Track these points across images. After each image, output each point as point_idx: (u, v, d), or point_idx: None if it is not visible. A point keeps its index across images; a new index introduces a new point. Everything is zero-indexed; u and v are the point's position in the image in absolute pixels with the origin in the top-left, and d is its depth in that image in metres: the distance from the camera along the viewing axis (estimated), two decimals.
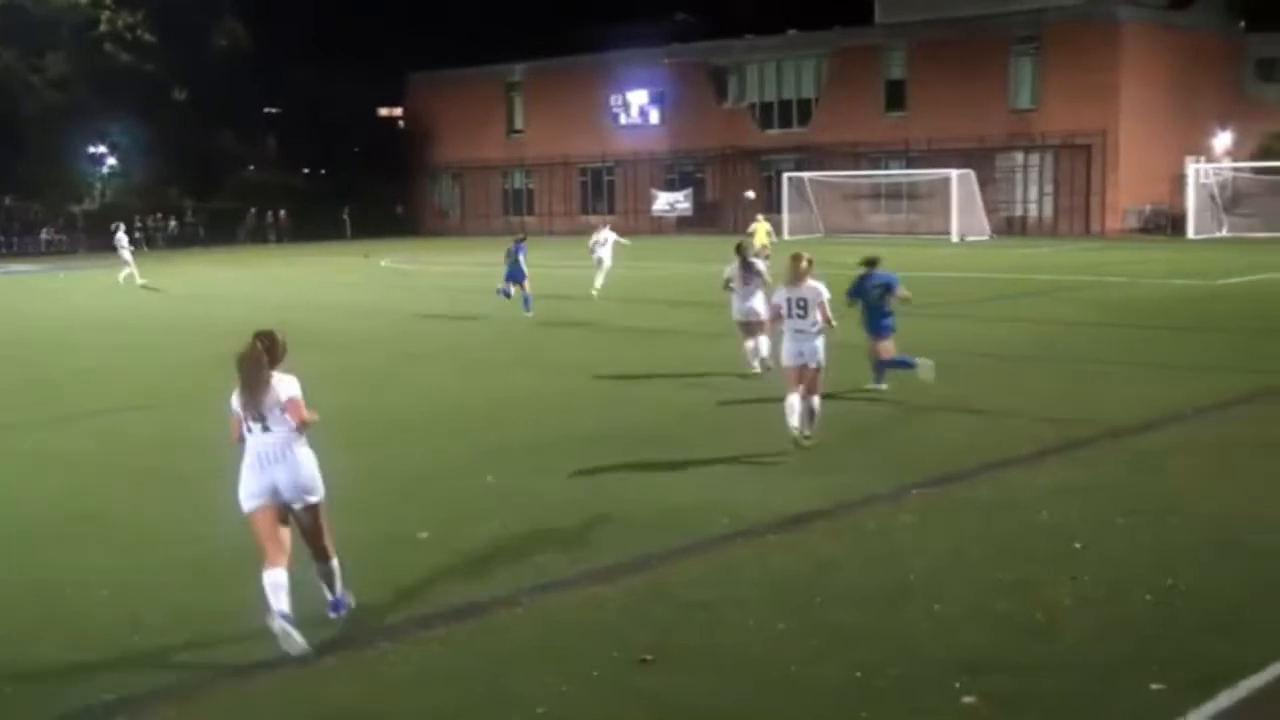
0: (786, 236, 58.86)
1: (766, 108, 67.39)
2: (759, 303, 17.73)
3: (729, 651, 7.64)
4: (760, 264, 18.63)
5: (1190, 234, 52.21)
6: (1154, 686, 6.92)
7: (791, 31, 67.08)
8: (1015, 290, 30.93)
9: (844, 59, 63.64)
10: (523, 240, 28.52)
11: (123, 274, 40.57)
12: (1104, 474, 11.77)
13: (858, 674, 7.21)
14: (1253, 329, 22.63)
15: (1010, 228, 58.36)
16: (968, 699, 6.85)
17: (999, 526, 10.07)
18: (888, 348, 16.40)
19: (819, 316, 13.06)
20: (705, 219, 65.24)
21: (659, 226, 65.58)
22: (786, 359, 13.22)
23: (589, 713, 6.89)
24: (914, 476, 11.74)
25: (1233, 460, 12.18)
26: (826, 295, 13.18)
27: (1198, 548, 9.38)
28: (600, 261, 31.21)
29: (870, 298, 16.45)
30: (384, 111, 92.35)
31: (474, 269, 41.81)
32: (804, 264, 13.24)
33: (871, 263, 16.73)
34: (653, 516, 10.64)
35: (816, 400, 13.27)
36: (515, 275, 27.60)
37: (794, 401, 12.95)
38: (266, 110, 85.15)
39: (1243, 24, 63.00)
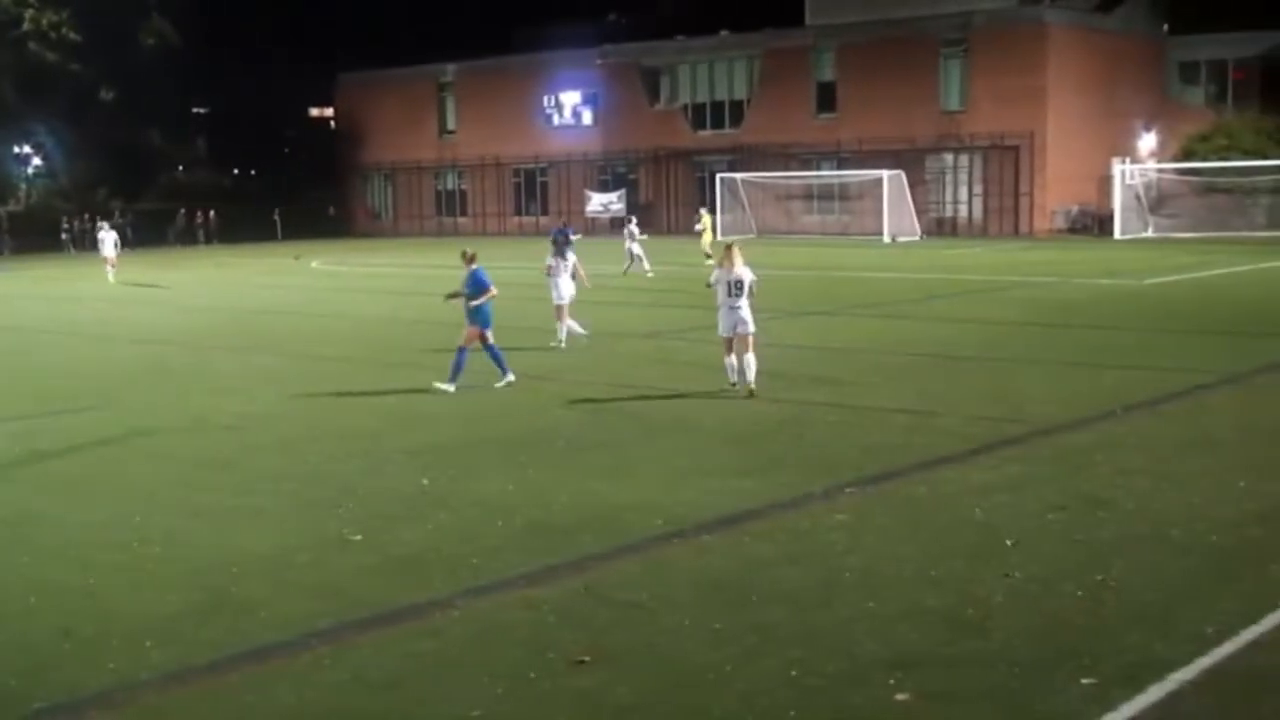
0: (719, 238, 59.00)
1: (699, 109, 67.46)
2: (566, 286, 21.23)
3: (664, 651, 7.64)
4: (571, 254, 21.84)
5: (1117, 234, 52.84)
6: (1085, 681, 7.00)
7: (723, 33, 67.19)
8: (947, 290, 31.19)
9: (775, 60, 63.85)
10: (569, 227, 36.49)
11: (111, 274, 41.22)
12: (1035, 471, 11.90)
13: (793, 672, 7.24)
14: (1179, 328, 22.95)
15: (940, 228, 58.80)
16: (901, 696, 6.90)
17: (932, 524, 10.15)
18: (479, 337, 17.43)
19: (750, 293, 16.11)
20: (639, 220, 65.12)
21: (593, 227, 65.43)
22: (724, 330, 16.19)
23: (525, 714, 6.87)
24: (848, 476, 11.81)
25: (1161, 457, 12.35)
26: (753, 276, 16.26)
27: (1127, 543, 9.50)
28: (631, 252, 37.64)
29: (482, 290, 17.40)
30: (315, 112, 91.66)
31: (406, 270, 41.56)
32: (736, 252, 16.30)
33: (473, 258, 17.74)
34: (587, 518, 10.63)
35: (752, 356, 16.03)
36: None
37: (732, 362, 16.23)
38: (195, 110, 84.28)
39: (1166, 27, 63.85)
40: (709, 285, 16.78)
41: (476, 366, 17.34)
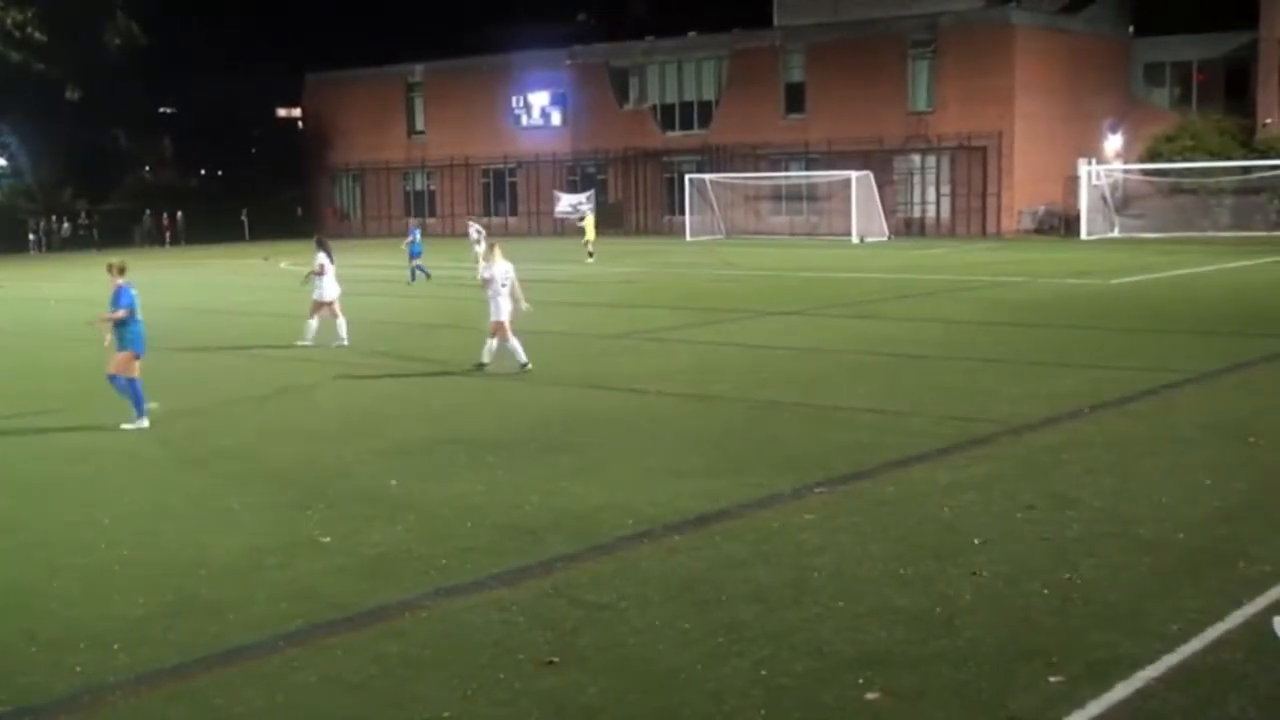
0: (689, 238, 59.19)
1: (668, 109, 67.47)
2: (329, 286, 22.40)
3: (633, 652, 7.64)
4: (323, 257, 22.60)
5: (1083, 234, 53.13)
6: (1052, 679, 7.03)
7: (691, 34, 67.24)
8: (916, 290, 31.30)
9: (743, 61, 63.93)
10: (417, 226, 40.10)
11: None
12: (1003, 470, 11.95)
13: (762, 672, 7.25)
14: (1145, 328, 23.09)
15: (908, 229, 58.98)
16: (871, 695, 6.92)
17: (901, 523, 10.19)
18: (139, 366, 15.45)
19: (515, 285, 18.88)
20: (608, 220, 65.19)
21: (561, 228, 65.43)
22: (502, 315, 18.72)
23: (495, 715, 6.86)
24: (817, 476, 11.84)
25: (1128, 456, 12.42)
26: (514, 270, 19.00)
27: (1094, 541, 9.56)
28: (478, 254, 37.95)
29: (136, 309, 15.44)
30: (282, 112, 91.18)
31: (377, 271, 41.43)
32: (499, 250, 19.21)
33: (123, 270, 15.61)
34: (557, 518, 10.62)
35: (495, 340, 18.87)
36: (414, 252, 37.35)
37: (516, 343, 18.67)
38: (162, 110, 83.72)
39: (1131, 29, 64.24)
40: (484, 282, 19.12)
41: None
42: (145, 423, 15.14)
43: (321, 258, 22.46)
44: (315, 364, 20.56)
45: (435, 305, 30.38)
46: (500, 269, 18.85)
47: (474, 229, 40.28)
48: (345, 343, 22.13)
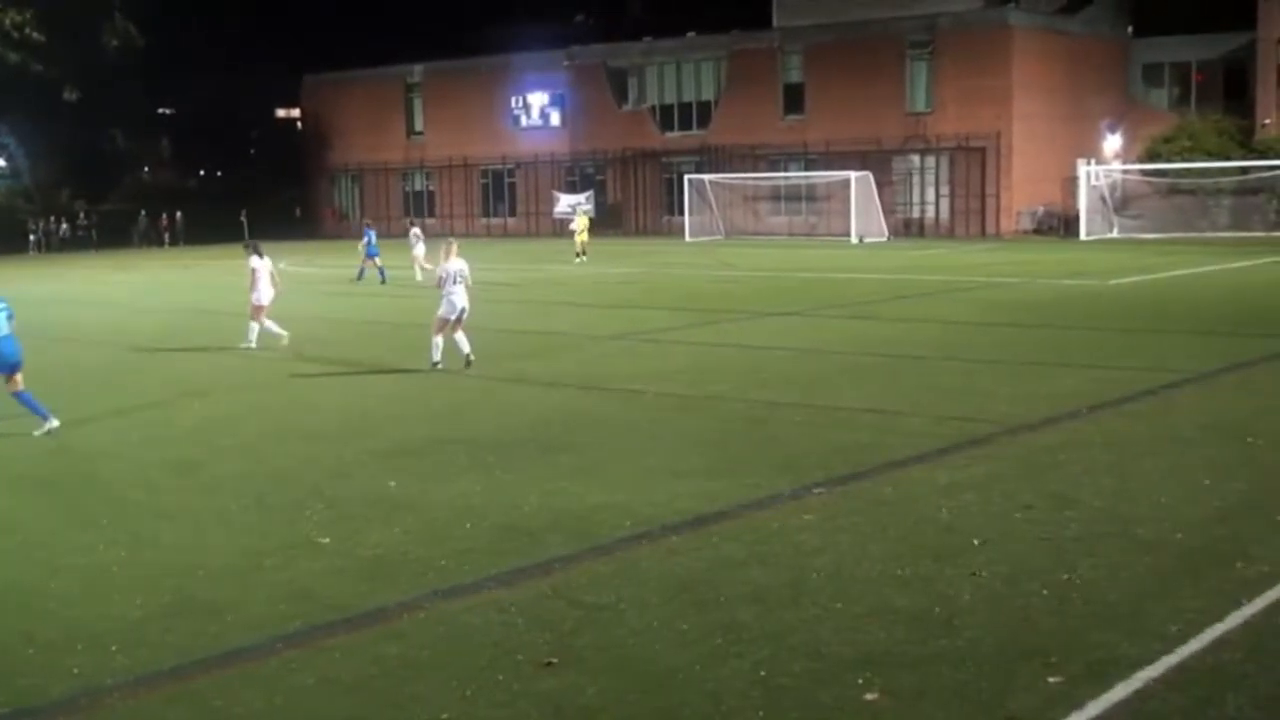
0: (688, 239, 59.20)
1: (666, 110, 67.44)
2: (265, 288, 22.34)
3: (632, 653, 7.64)
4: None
5: (1082, 235, 53.12)
6: (1052, 679, 7.03)
7: (690, 34, 67.24)
8: (914, 291, 31.29)
9: (742, 62, 63.92)
10: (370, 225, 40.22)
11: None
12: (1002, 471, 11.94)
13: (761, 673, 7.25)
14: (1144, 328, 23.08)
15: (907, 229, 58.95)
16: (870, 695, 6.92)
17: (900, 524, 10.18)
18: (20, 380, 14.95)
19: (468, 281, 19.00)
20: (607, 221, 65.19)
21: (560, 228, 65.39)
22: (448, 313, 18.82)
23: (493, 717, 6.85)
24: (816, 476, 11.83)
25: (1127, 456, 12.42)
26: (468, 267, 19.08)
27: (1093, 542, 9.55)
28: (416, 257, 38.27)
29: None
30: (281, 113, 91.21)
31: (370, 272, 41.36)
32: (455, 247, 19.25)
33: None
34: (556, 519, 10.62)
35: (463, 334, 18.98)
36: (371, 253, 37.74)
37: (439, 341, 18.92)
38: (160, 111, 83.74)
39: (1130, 29, 64.24)
40: (438, 281, 19.12)
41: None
42: (50, 424, 14.76)
43: (253, 261, 22.59)
44: (313, 364, 20.55)
45: (430, 305, 30.37)
46: (454, 266, 18.88)
47: (414, 232, 40.08)
48: (254, 346, 22.14)
